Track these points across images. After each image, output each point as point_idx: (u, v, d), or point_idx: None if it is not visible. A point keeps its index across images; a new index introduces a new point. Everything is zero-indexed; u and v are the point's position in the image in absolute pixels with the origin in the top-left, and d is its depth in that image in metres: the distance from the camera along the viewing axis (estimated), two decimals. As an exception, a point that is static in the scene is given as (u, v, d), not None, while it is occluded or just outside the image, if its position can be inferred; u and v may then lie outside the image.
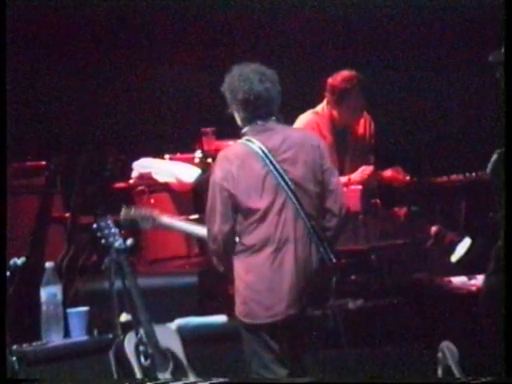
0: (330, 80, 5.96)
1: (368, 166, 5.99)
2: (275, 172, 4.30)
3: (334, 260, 4.34)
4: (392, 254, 5.86)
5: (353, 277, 5.78)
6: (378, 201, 6.00)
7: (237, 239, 4.35)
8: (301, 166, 4.34)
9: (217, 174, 4.34)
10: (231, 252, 4.36)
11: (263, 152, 4.30)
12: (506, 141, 4.39)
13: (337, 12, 6.82)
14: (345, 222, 4.46)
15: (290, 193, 4.30)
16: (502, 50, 4.71)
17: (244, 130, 4.41)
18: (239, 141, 4.41)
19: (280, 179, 4.30)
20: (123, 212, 5.07)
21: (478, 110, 6.79)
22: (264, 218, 4.30)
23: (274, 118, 4.38)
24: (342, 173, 6.03)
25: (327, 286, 4.44)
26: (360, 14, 6.84)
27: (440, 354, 4.30)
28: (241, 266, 4.34)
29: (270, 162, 4.30)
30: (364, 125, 6.12)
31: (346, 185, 5.85)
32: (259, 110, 4.35)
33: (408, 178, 6.05)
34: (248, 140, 4.36)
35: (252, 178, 4.31)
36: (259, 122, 4.37)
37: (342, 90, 5.90)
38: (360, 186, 5.92)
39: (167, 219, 5.05)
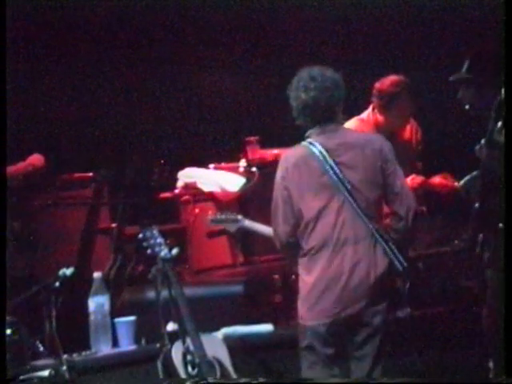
0: (377, 85, 5.88)
1: (417, 174, 5.92)
2: (332, 173, 4.34)
3: (405, 264, 4.32)
4: (439, 262, 5.80)
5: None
6: (425, 208, 5.94)
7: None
8: (358, 170, 4.37)
9: (278, 173, 4.46)
10: (296, 253, 4.41)
11: (320, 152, 4.36)
12: (506, 140, 4.34)
13: (337, 12, 6.75)
14: (413, 224, 4.41)
15: (347, 194, 4.32)
16: (463, 70, 4.68)
17: (307, 134, 4.49)
18: (302, 143, 4.48)
19: (337, 180, 4.33)
20: (211, 214, 5.52)
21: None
22: (319, 218, 4.33)
23: (335, 120, 4.44)
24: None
25: (397, 290, 4.41)
26: (365, 15, 6.76)
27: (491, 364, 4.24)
28: (302, 268, 4.40)
29: (327, 162, 4.34)
30: (410, 131, 6.06)
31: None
32: (319, 113, 4.42)
33: (457, 184, 5.97)
34: (310, 142, 4.44)
35: (308, 176, 4.37)
36: (321, 125, 4.43)
37: (390, 94, 5.83)
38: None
39: (249, 223, 5.35)
